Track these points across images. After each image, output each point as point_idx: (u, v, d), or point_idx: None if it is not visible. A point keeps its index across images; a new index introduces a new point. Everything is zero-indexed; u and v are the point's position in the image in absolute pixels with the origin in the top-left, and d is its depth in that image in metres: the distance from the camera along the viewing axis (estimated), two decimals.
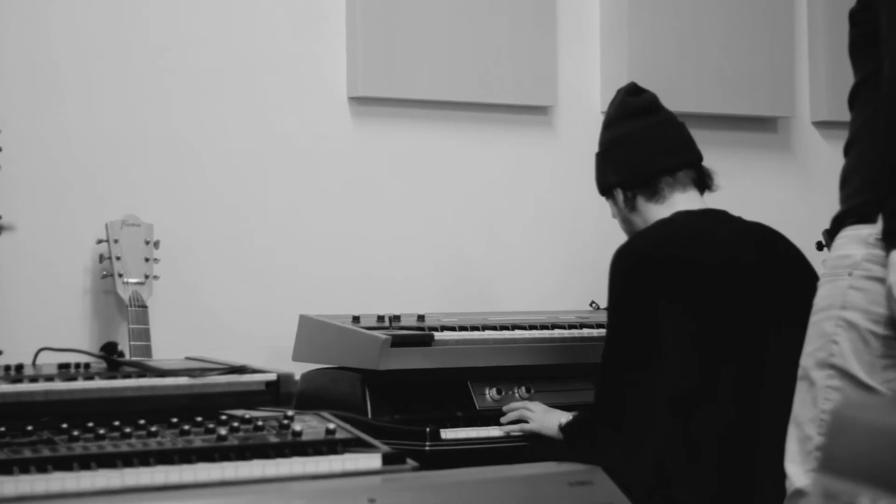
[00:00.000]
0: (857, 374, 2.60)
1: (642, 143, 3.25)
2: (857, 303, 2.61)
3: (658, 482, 2.97)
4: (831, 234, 2.73)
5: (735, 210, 3.25)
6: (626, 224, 3.30)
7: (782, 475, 2.74)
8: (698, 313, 3.02)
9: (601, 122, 4.27)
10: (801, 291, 2.85)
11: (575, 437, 3.14)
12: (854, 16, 2.76)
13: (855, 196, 2.68)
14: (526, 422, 3.30)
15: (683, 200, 3.20)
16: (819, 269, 2.86)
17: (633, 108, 3.30)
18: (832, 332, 2.64)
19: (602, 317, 3.76)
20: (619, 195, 3.27)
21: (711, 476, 2.99)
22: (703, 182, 3.26)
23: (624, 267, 3.10)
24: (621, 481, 2.61)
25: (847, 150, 2.78)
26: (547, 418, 3.26)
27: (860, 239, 2.62)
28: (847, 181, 2.73)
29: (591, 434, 3.11)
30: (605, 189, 3.34)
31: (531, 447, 3.23)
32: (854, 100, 2.77)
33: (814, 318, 2.70)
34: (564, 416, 3.21)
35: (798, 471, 2.67)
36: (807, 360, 2.69)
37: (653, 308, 3.02)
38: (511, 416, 3.33)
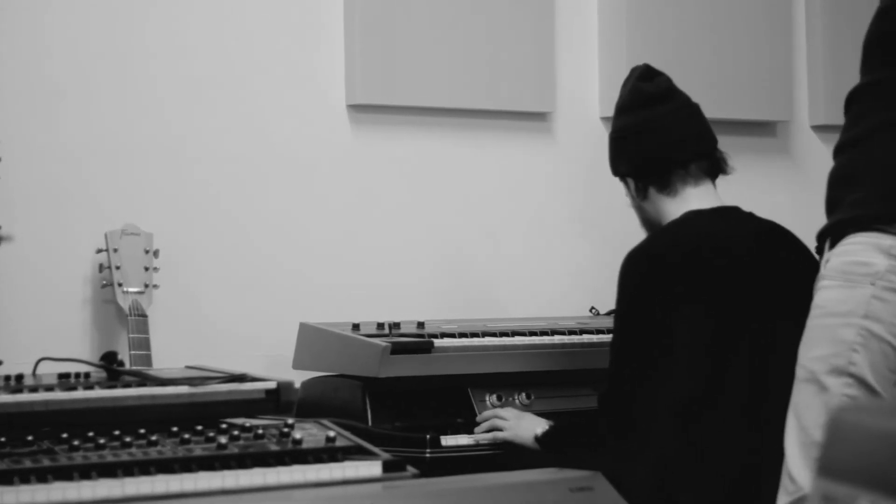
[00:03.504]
0: (874, 386, 2.57)
1: (653, 135, 3.18)
2: (880, 314, 2.58)
3: (661, 489, 2.96)
4: (834, 235, 2.70)
5: None
6: (639, 211, 3.26)
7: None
8: (709, 316, 3.01)
9: (600, 128, 4.29)
10: (810, 292, 2.83)
11: (551, 449, 3.14)
12: (891, 11, 2.71)
13: (870, 202, 2.65)
14: (500, 430, 3.29)
15: (696, 196, 3.16)
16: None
17: (645, 95, 3.21)
18: (853, 341, 2.59)
19: (602, 322, 3.76)
20: (631, 184, 3.22)
21: (717, 482, 2.98)
22: (718, 168, 3.21)
23: (636, 270, 3.06)
24: (622, 488, 2.60)
25: (846, 149, 2.74)
26: (521, 427, 3.24)
27: (881, 248, 2.58)
28: (852, 182, 2.69)
29: (571, 443, 3.11)
30: (618, 175, 3.29)
31: (528, 454, 3.22)
32: (860, 98, 2.74)
33: (825, 321, 2.66)
34: (540, 426, 3.19)
35: (806, 475, 2.65)
36: (816, 363, 2.65)
37: (665, 311, 3.00)
38: (483, 426, 3.32)
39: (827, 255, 2.72)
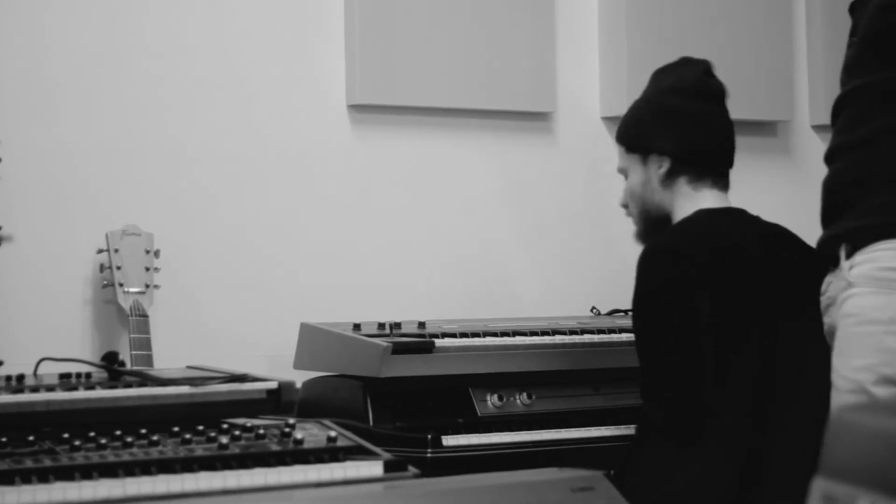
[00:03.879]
0: None
1: (714, 131, 3.19)
2: None
3: (662, 487, 2.95)
4: (855, 241, 2.60)
5: None
6: (646, 194, 3.19)
7: (790, 477, 2.73)
8: (713, 315, 3.00)
9: (601, 128, 4.29)
10: (815, 295, 2.81)
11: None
12: (887, 10, 2.64)
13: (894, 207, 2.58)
14: None
15: (710, 197, 3.17)
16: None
17: (712, 89, 3.22)
18: None
19: (603, 322, 3.76)
20: (662, 164, 3.17)
21: (718, 483, 2.96)
22: (726, 183, 3.24)
23: (654, 265, 3.04)
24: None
25: (848, 151, 2.69)
26: None
27: None
28: (867, 185, 2.62)
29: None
30: (644, 149, 3.20)
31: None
32: (857, 100, 2.70)
33: (865, 329, 2.57)
34: None
35: None
36: (861, 374, 2.57)
37: (678, 306, 2.99)
38: None
39: (849, 261, 2.63)
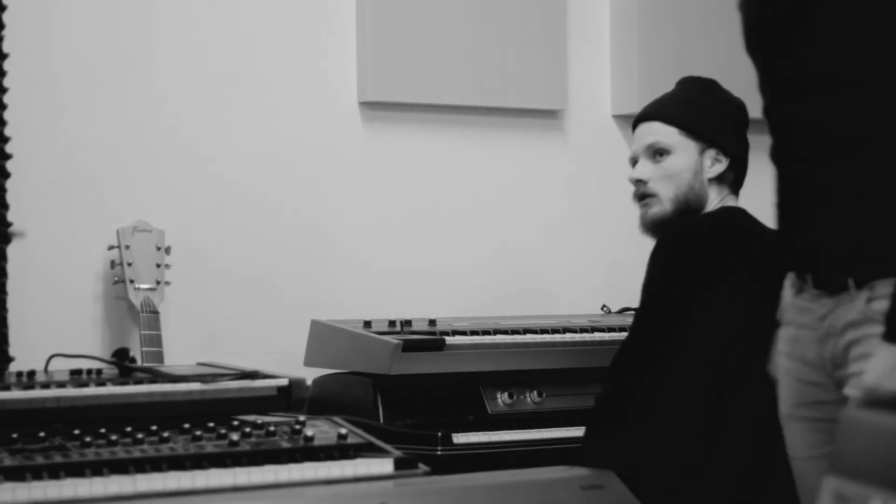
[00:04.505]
0: None
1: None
2: None
3: (677, 480, 2.93)
4: (873, 273, 2.26)
5: None
6: (691, 176, 3.15)
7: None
8: (748, 300, 2.98)
9: (612, 126, 4.28)
10: None
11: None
12: None
13: None
14: None
15: (732, 203, 3.20)
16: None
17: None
18: None
19: (614, 320, 3.76)
20: (720, 161, 3.16)
21: (720, 479, 2.95)
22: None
23: (684, 250, 3.03)
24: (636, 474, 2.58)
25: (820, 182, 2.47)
26: None
27: None
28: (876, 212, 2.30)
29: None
30: (710, 140, 3.18)
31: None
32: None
33: None
34: None
35: None
36: None
37: (707, 291, 2.97)
38: None
39: (863, 291, 2.27)
